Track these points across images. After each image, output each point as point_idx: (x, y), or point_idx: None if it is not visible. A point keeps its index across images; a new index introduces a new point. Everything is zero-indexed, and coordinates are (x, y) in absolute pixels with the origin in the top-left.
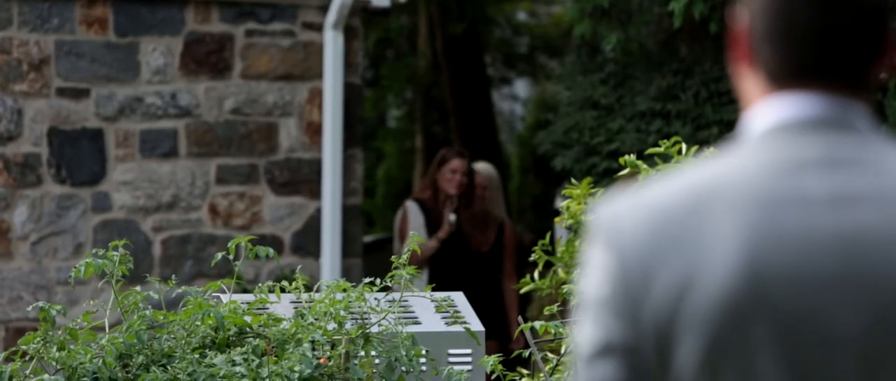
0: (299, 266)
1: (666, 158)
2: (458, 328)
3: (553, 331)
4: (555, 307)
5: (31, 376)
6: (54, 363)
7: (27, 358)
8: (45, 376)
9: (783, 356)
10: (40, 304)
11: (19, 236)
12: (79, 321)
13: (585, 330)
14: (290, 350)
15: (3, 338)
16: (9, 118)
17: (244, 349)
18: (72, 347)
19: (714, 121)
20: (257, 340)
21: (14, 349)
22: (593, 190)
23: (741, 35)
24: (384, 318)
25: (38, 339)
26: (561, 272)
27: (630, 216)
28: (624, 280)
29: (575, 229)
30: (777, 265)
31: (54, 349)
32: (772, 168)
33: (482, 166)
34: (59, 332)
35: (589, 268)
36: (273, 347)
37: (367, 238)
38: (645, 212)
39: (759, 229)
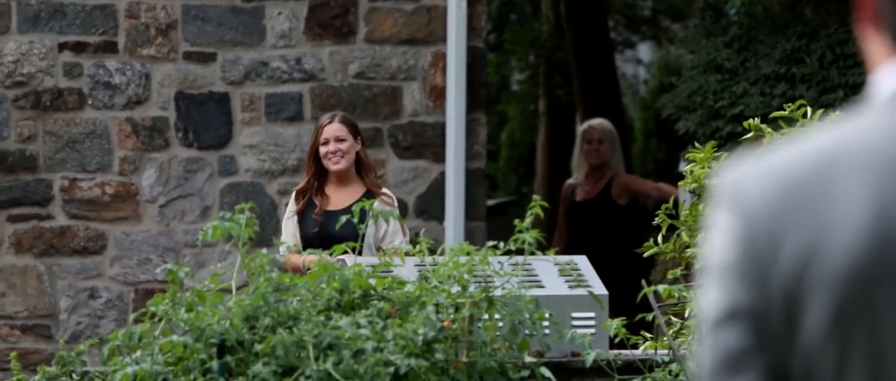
0: (423, 230)
1: (791, 121)
2: (581, 291)
3: (677, 295)
4: (678, 271)
5: (160, 336)
6: (182, 325)
7: (156, 319)
8: (174, 337)
9: None
10: (168, 266)
11: (147, 199)
12: (206, 283)
13: (711, 295)
14: (415, 313)
15: (133, 300)
16: (137, 82)
17: (369, 311)
18: (199, 308)
19: (839, 84)
20: (382, 302)
21: (143, 310)
22: (717, 154)
23: None
24: (508, 281)
25: (167, 300)
26: (684, 236)
27: (756, 181)
28: (750, 245)
29: (698, 193)
30: None
31: (182, 310)
32: None
33: (597, 122)
34: (187, 294)
35: (714, 233)
36: (397, 309)
37: (491, 201)
38: (771, 176)
39: (886, 193)
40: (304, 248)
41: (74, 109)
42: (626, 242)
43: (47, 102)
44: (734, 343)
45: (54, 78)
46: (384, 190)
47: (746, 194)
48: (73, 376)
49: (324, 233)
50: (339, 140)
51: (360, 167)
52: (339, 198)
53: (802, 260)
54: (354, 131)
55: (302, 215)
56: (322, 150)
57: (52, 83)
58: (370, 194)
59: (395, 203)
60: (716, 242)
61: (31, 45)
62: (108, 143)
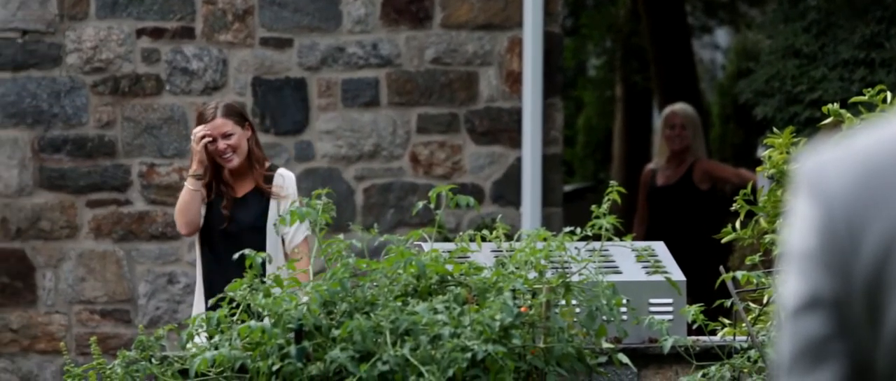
0: (500, 215)
1: (870, 106)
2: (659, 277)
3: (755, 281)
4: (757, 257)
5: (238, 322)
6: (260, 310)
7: (234, 304)
8: (252, 322)
9: None
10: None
11: None
12: (284, 268)
13: (791, 283)
14: (491, 299)
15: None
16: (214, 68)
17: (446, 297)
18: (277, 294)
19: None
20: (459, 288)
21: (221, 295)
22: (795, 139)
23: None
24: (585, 267)
25: (245, 286)
26: (763, 222)
27: (836, 167)
28: (831, 233)
29: (777, 179)
30: None
31: (260, 295)
32: None
33: (680, 107)
34: (265, 279)
35: (794, 220)
36: (474, 295)
37: (567, 187)
38: (851, 162)
39: None
40: (213, 241)
41: (152, 94)
42: (707, 227)
43: (125, 87)
44: (815, 331)
45: (132, 64)
46: (275, 183)
47: (826, 180)
48: (153, 360)
49: (232, 225)
50: (227, 136)
51: (249, 157)
52: (239, 186)
53: (884, 249)
54: (241, 120)
55: (209, 205)
56: (210, 147)
57: (130, 69)
58: (260, 191)
59: (292, 188)
60: (795, 229)
61: (110, 32)
62: (185, 128)
